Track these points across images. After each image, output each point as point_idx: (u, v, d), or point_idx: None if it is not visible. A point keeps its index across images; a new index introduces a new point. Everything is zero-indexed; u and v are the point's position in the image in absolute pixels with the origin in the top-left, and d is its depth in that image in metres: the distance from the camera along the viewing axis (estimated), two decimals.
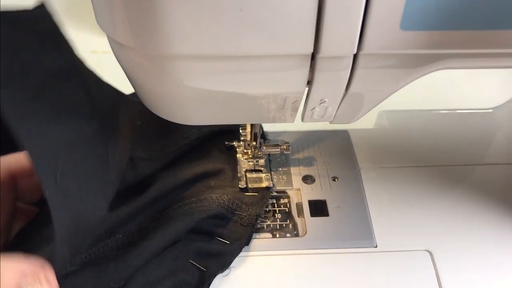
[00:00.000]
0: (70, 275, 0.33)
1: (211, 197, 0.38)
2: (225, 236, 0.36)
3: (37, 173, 0.26)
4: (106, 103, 0.33)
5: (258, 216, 0.38)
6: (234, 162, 0.42)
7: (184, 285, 0.34)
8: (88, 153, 0.30)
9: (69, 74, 0.30)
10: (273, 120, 0.30)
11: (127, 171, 0.36)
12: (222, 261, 0.35)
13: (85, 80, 0.31)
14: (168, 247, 0.35)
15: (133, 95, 0.43)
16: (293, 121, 0.30)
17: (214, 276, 0.34)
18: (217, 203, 0.38)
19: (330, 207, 0.39)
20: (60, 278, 0.28)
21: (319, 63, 0.24)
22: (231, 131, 0.42)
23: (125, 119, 0.36)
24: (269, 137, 0.45)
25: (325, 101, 0.27)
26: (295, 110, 0.29)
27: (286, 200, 0.40)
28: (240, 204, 0.38)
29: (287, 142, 0.42)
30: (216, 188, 0.39)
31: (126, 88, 0.36)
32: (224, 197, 0.38)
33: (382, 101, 0.29)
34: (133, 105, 0.38)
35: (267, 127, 0.45)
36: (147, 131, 0.39)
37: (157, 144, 0.39)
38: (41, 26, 0.29)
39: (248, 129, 0.39)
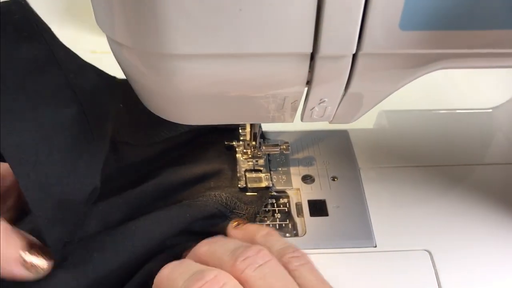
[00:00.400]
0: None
1: (209, 194, 0.38)
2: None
3: (10, 166, 0.26)
4: (88, 87, 0.33)
5: (256, 214, 0.38)
6: (234, 162, 0.42)
7: None
8: (69, 136, 0.30)
9: (45, 63, 0.30)
10: (273, 120, 0.30)
11: (109, 154, 0.35)
12: None
13: (65, 67, 0.31)
14: (164, 241, 0.34)
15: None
16: (292, 121, 0.30)
17: None
18: (214, 201, 0.37)
19: (330, 207, 0.39)
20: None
21: (318, 63, 0.24)
22: (227, 130, 0.42)
23: (108, 101, 0.35)
24: (269, 137, 0.45)
25: (324, 101, 0.27)
26: (294, 110, 0.29)
27: (285, 200, 0.40)
28: (238, 203, 0.38)
29: (287, 142, 0.42)
30: (215, 189, 0.39)
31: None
32: (223, 195, 0.38)
33: (381, 101, 0.29)
34: (120, 88, 0.37)
35: (267, 127, 0.45)
36: (134, 116, 0.38)
37: (144, 133, 0.39)
38: (16, 17, 0.30)
39: (248, 129, 0.39)
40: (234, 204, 0.38)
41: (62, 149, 0.29)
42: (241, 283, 0.26)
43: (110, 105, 0.36)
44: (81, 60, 0.34)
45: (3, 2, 0.30)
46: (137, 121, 0.39)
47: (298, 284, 0.27)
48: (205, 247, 0.31)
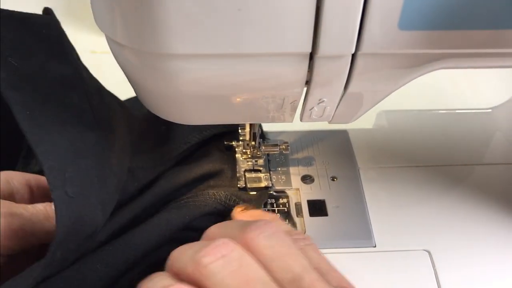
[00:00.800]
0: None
1: (208, 192, 0.38)
2: None
3: (46, 175, 0.26)
4: (106, 112, 0.33)
5: None
6: (233, 162, 0.42)
7: None
8: (92, 161, 0.30)
9: (74, 83, 0.30)
10: (272, 120, 0.30)
11: (128, 182, 0.35)
12: None
13: (88, 89, 0.31)
14: (161, 243, 0.34)
15: (129, 101, 0.43)
16: (292, 121, 0.30)
17: None
18: (213, 199, 0.37)
19: (329, 207, 0.39)
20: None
21: (317, 63, 0.24)
22: (232, 132, 0.42)
23: (123, 128, 0.36)
24: (268, 137, 0.45)
25: (323, 101, 0.27)
26: (293, 110, 0.29)
27: (285, 200, 0.40)
28: (237, 200, 0.38)
29: (286, 142, 0.42)
30: (215, 187, 0.39)
31: (126, 88, 0.36)
32: (221, 193, 0.38)
33: (380, 100, 0.29)
34: (130, 113, 0.38)
35: (266, 127, 0.45)
36: (146, 140, 0.39)
37: (156, 153, 0.39)
38: (48, 32, 0.30)
39: (247, 129, 0.39)
40: (233, 202, 0.38)
41: (83, 172, 0.29)
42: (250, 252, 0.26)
43: (126, 130, 0.36)
44: (99, 83, 0.35)
45: (40, 15, 0.30)
46: (150, 144, 0.39)
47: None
48: (215, 229, 0.30)
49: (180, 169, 0.39)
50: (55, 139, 0.28)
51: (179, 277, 0.25)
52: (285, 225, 0.32)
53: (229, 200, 0.38)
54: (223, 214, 0.38)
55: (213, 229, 0.30)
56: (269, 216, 0.34)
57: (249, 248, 0.26)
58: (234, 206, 0.38)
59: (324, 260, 0.28)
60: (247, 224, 0.27)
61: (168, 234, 0.34)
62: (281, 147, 0.41)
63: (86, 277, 0.30)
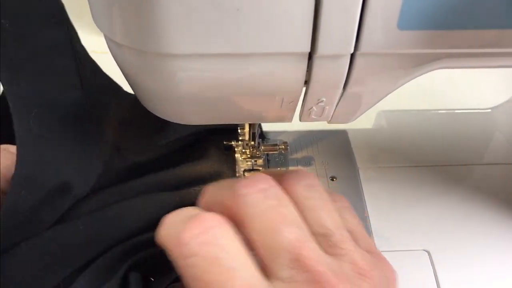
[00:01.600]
0: None
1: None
2: None
3: (11, 109, 0.27)
4: (95, 82, 0.33)
5: None
6: (233, 162, 0.42)
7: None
8: (66, 115, 0.30)
9: (62, 49, 0.31)
10: (271, 120, 0.30)
11: (114, 159, 0.35)
12: None
13: (78, 58, 0.31)
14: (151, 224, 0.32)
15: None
16: (291, 121, 0.30)
17: None
18: None
19: None
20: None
21: (316, 63, 0.24)
22: (228, 130, 0.42)
23: (113, 108, 0.35)
24: (268, 137, 0.45)
25: (322, 101, 0.27)
26: (292, 109, 0.29)
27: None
28: None
29: (285, 142, 0.42)
30: None
31: (125, 88, 0.36)
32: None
33: (380, 100, 0.29)
34: (124, 96, 0.38)
35: (266, 127, 0.45)
36: (137, 123, 0.38)
37: (147, 138, 0.39)
38: (47, 5, 0.30)
39: (246, 128, 0.39)
40: None
41: (58, 129, 0.29)
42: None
43: (114, 106, 0.36)
44: (93, 61, 0.35)
45: None
46: (141, 128, 0.39)
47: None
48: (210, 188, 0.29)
49: (179, 168, 0.39)
50: (29, 86, 0.28)
51: (210, 210, 0.24)
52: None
53: None
54: None
55: (209, 189, 0.29)
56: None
57: (287, 193, 0.25)
58: None
59: (358, 224, 0.27)
60: (288, 172, 0.27)
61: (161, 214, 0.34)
62: (280, 147, 0.41)
63: (66, 237, 0.30)
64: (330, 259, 0.23)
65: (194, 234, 0.22)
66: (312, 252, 0.23)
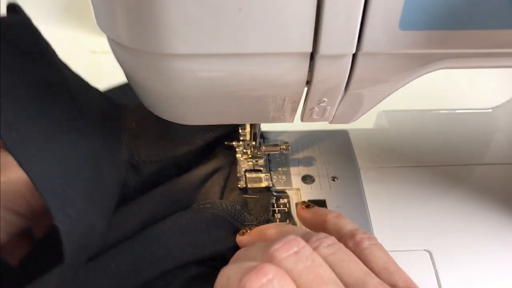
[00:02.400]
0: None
1: (215, 201, 0.37)
2: None
3: (44, 199, 0.26)
4: (95, 110, 0.33)
5: (268, 220, 0.38)
6: (234, 162, 0.42)
7: None
8: (88, 174, 0.29)
9: (58, 88, 0.29)
10: (273, 120, 0.30)
11: (128, 177, 0.35)
12: None
13: (73, 91, 0.30)
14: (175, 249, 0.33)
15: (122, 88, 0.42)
16: (292, 121, 0.30)
17: None
18: (220, 209, 0.36)
19: (330, 207, 0.39)
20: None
21: (318, 63, 0.24)
22: (233, 133, 0.42)
23: (119, 125, 0.35)
24: (269, 137, 0.45)
25: (324, 101, 0.27)
26: (294, 110, 0.29)
27: (285, 200, 0.40)
28: (246, 215, 0.37)
29: (287, 142, 0.42)
30: (219, 190, 0.39)
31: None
32: (228, 203, 0.37)
33: (381, 101, 0.29)
34: (128, 108, 0.38)
35: (267, 127, 0.45)
36: (147, 134, 0.38)
37: (158, 148, 0.38)
38: (22, 33, 0.29)
39: (248, 129, 0.39)
40: (244, 217, 0.37)
41: (86, 182, 0.29)
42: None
43: (122, 127, 0.36)
44: (83, 80, 0.34)
45: (10, 16, 0.29)
46: (151, 138, 0.39)
47: (370, 261, 0.27)
48: (273, 229, 0.30)
49: (188, 174, 0.39)
50: (47, 157, 0.27)
51: None
52: (351, 223, 0.31)
53: (235, 210, 0.37)
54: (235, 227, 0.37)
55: (271, 230, 0.31)
56: (335, 213, 0.33)
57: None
58: (245, 221, 0.37)
59: (391, 259, 0.28)
60: (309, 234, 0.27)
61: (183, 240, 0.34)
62: (281, 147, 0.41)
63: (99, 277, 0.30)
64: None
65: (258, 284, 0.22)
66: None
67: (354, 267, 0.26)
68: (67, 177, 0.28)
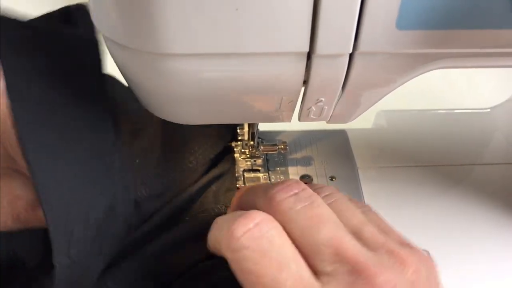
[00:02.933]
0: None
1: (213, 208, 0.37)
2: None
3: (50, 234, 0.25)
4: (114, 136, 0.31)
5: None
6: (232, 162, 0.42)
7: None
8: (99, 211, 0.28)
9: (97, 97, 0.29)
10: (270, 120, 0.30)
11: (132, 216, 0.33)
12: None
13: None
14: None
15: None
16: (289, 120, 0.30)
17: None
18: (213, 214, 0.36)
19: None
20: None
21: (315, 62, 0.24)
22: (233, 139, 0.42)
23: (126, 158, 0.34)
24: (267, 137, 0.45)
25: (321, 101, 0.27)
26: (291, 109, 0.29)
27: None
28: None
29: (285, 142, 0.42)
30: (219, 193, 0.39)
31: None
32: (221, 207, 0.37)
33: (379, 100, 0.29)
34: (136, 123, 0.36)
35: (265, 127, 0.45)
36: (147, 167, 0.36)
37: (158, 180, 0.36)
38: (86, 58, 0.28)
39: (246, 128, 0.39)
40: None
41: (94, 224, 0.28)
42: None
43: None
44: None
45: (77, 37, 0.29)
46: (151, 170, 0.37)
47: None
48: (242, 192, 0.31)
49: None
50: (60, 179, 0.26)
51: None
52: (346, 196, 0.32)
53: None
54: None
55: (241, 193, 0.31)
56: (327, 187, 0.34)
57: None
58: None
59: (382, 221, 0.29)
60: (311, 185, 0.28)
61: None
62: (279, 147, 0.41)
63: None
64: (368, 252, 0.24)
65: (245, 229, 0.23)
66: (351, 244, 0.24)
67: (352, 215, 0.26)
68: (79, 214, 0.27)
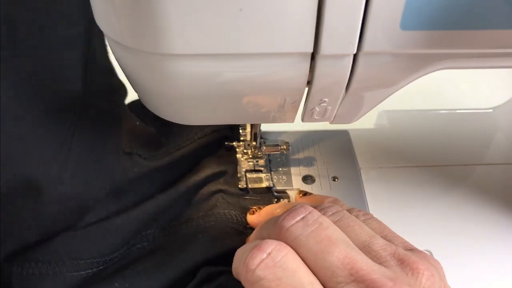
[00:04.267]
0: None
1: (218, 212, 0.38)
2: None
3: None
4: (105, 87, 0.33)
5: None
6: (234, 162, 0.42)
7: None
8: (57, 103, 0.29)
9: (77, 42, 0.30)
10: (273, 120, 0.30)
11: (127, 167, 0.35)
12: None
13: (91, 54, 0.31)
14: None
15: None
16: (293, 121, 0.30)
17: None
18: (225, 220, 0.37)
19: None
20: None
21: (318, 63, 0.24)
22: (233, 130, 0.42)
23: (121, 113, 0.35)
24: (270, 137, 0.45)
25: (325, 101, 0.27)
26: (295, 110, 0.29)
27: (286, 200, 0.40)
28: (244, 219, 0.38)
29: (287, 142, 0.42)
30: (221, 193, 0.39)
31: (126, 87, 0.36)
32: (232, 213, 0.38)
33: (382, 101, 0.29)
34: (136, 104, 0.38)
35: (267, 127, 0.45)
36: (146, 131, 0.38)
37: (157, 145, 0.39)
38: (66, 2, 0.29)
39: (248, 129, 0.39)
40: (245, 219, 0.38)
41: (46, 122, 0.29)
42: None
43: (122, 111, 0.35)
44: (110, 63, 0.34)
45: None
46: (150, 134, 0.39)
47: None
48: (281, 208, 0.33)
49: (189, 175, 0.39)
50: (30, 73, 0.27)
51: None
52: (346, 205, 0.33)
53: (240, 218, 0.38)
54: (239, 231, 0.37)
55: (280, 209, 0.33)
56: (330, 198, 0.35)
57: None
58: (248, 223, 0.38)
59: (387, 228, 0.29)
60: (314, 205, 0.29)
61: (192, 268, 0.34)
62: (282, 147, 0.41)
63: None
64: (380, 267, 0.24)
65: (259, 260, 0.24)
66: (363, 263, 0.24)
67: (359, 230, 0.27)
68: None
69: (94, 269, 0.32)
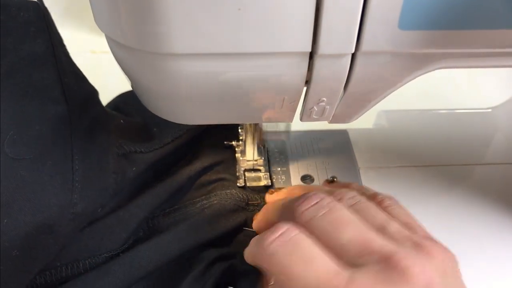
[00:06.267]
0: None
1: (221, 193, 0.38)
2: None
3: None
4: (83, 96, 0.32)
5: None
6: (233, 162, 0.42)
7: None
8: (48, 130, 0.29)
9: (43, 61, 0.30)
10: (272, 120, 0.30)
11: (125, 167, 0.35)
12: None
13: (61, 68, 0.30)
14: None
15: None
16: (291, 120, 0.30)
17: None
18: (230, 197, 0.38)
19: None
20: None
21: (317, 62, 0.24)
22: (229, 129, 0.42)
23: (102, 111, 0.35)
24: (268, 137, 0.45)
25: (323, 101, 0.27)
26: (293, 109, 0.29)
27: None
28: (251, 195, 0.39)
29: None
30: (221, 180, 0.40)
31: (126, 88, 0.36)
32: (233, 191, 0.39)
33: (380, 100, 0.29)
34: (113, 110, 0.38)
35: (267, 127, 0.45)
36: (134, 124, 0.39)
37: (150, 136, 0.39)
38: (27, 15, 0.29)
39: (247, 128, 0.39)
40: (247, 196, 0.39)
41: (38, 147, 0.28)
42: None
43: (105, 117, 0.35)
44: (77, 68, 0.34)
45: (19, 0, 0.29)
46: (142, 131, 0.39)
47: (392, 216, 0.29)
48: (299, 189, 0.35)
49: (188, 164, 0.40)
50: (7, 106, 0.27)
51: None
52: (371, 190, 0.34)
53: (242, 194, 0.39)
54: (242, 208, 0.38)
55: (298, 190, 0.35)
56: (354, 184, 0.36)
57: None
58: (249, 199, 0.39)
59: (411, 217, 0.30)
60: (333, 190, 0.31)
61: (195, 243, 0.35)
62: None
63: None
64: (394, 244, 0.25)
65: (273, 238, 0.26)
66: (376, 238, 0.25)
67: (375, 214, 0.28)
68: (16, 123, 0.28)
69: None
